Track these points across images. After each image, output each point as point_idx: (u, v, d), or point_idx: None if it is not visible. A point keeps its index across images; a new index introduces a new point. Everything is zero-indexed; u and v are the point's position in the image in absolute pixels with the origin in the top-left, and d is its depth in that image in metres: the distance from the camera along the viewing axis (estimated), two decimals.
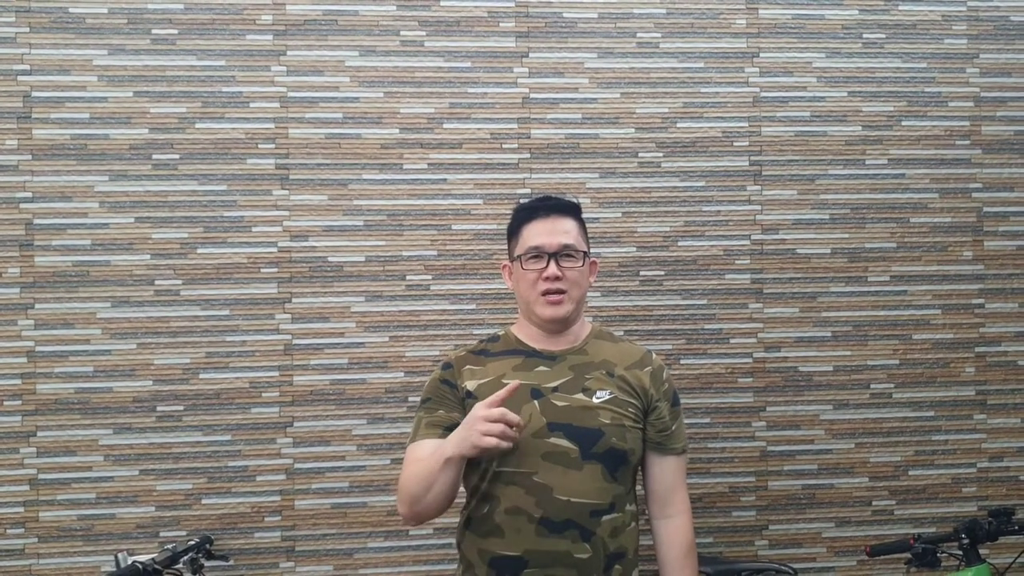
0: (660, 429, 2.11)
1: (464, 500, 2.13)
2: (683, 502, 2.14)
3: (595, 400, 2.03)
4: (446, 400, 2.08)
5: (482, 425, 1.79)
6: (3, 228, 2.69)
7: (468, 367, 2.11)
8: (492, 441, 1.78)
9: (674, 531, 2.11)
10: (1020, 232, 2.94)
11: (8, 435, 2.67)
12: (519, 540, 1.95)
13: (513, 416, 1.80)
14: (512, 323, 2.23)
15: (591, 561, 1.95)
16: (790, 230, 2.89)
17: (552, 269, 2.03)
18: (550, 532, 1.94)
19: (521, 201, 2.26)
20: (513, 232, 2.15)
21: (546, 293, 2.04)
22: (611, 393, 2.05)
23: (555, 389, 2.04)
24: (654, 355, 2.19)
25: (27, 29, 2.71)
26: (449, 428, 2.03)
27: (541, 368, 2.08)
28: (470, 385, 2.07)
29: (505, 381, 2.04)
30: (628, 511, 2.05)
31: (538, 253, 2.06)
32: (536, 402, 2.02)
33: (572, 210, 2.14)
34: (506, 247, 2.21)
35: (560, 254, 2.05)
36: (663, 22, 2.87)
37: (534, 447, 1.98)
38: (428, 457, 1.94)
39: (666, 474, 2.13)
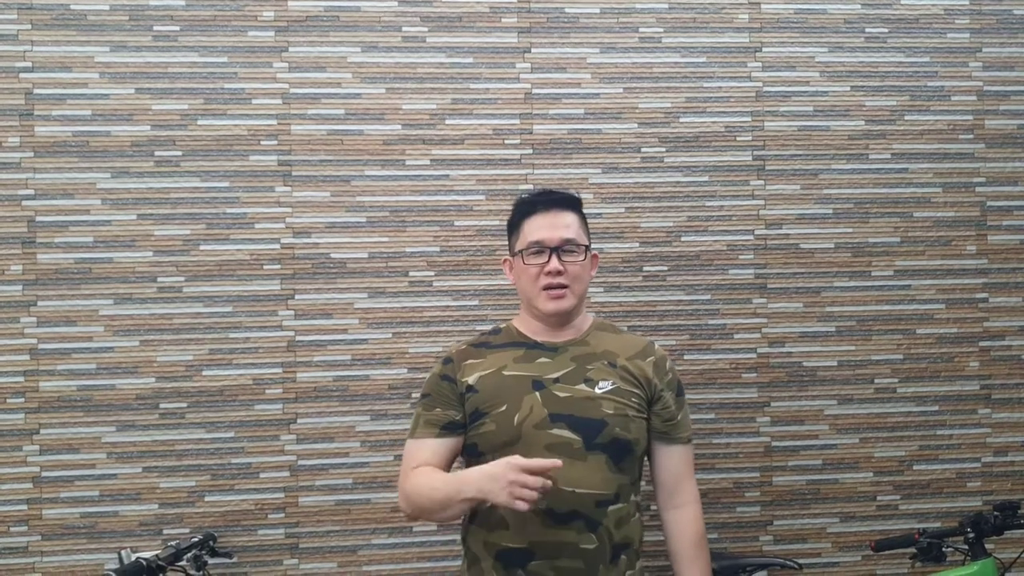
0: (666, 419, 2.11)
1: None
2: (691, 492, 2.14)
3: (597, 391, 2.03)
4: (443, 396, 2.09)
5: (517, 489, 1.76)
6: (5, 225, 2.68)
7: (469, 361, 2.11)
8: (523, 505, 1.76)
9: (684, 521, 2.10)
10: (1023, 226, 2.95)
11: (11, 433, 2.66)
12: (525, 532, 1.95)
13: (548, 483, 1.78)
14: (514, 316, 2.24)
15: (597, 551, 1.95)
16: (793, 225, 2.89)
17: (554, 264, 2.04)
18: (556, 523, 1.94)
19: (522, 195, 2.24)
20: (514, 226, 2.15)
21: (548, 288, 2.04)
22: (613, 383, 2.04)
23: (556, 380, 2.04)
24: (656, 346, 2.19)
25: (29, 26, 2.70)
26: (445, 427, 2.07)
27: (542, 359, 2.08)
28: (471, 379, 2.08)
29: (506, 372, 2.06)
30: (632, 502, 2.05)
31: (539, 248, 2.06)
32: (537, 393, 2.02)
33: (573, 204, 2.14)
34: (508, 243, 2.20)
35: (561, 248, 2.05)
36: (665, 17, 2.87)
37: (537, 439, 1.98)
38: (444, 486, 1.93)
39: (673, 463, 2.13)
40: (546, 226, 2.07)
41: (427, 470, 2.01)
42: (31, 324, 2.68)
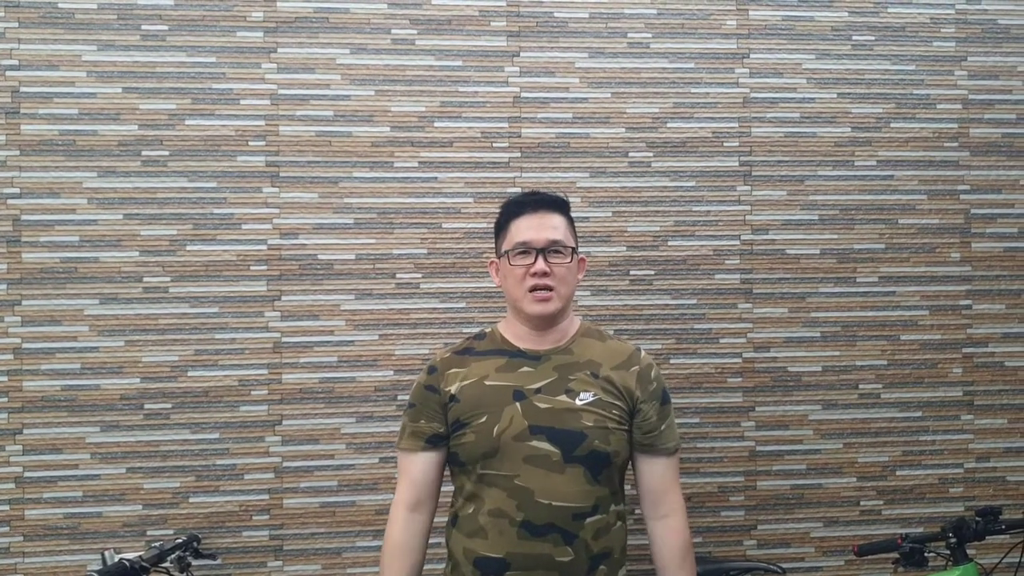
0: (647, 431, 2.09)
1: (451, 498, 2.14)
2: (676, 502, 2.11)
3: (578, 402, 2.01)
4: (428, 408, 2.09)
5: None
6: None
7: (453, 369, 2.10)
8: None
9: (669, 532, 2.08)
10: (1007, 234, 2.96)
11: None
12: (502, 542, 1.95)
13: None
14: (499, 320, 2.23)
15: (573, 564, 1.95)
16: (779, 230, 2.90)
17: (540, 265, 2.02)
18: (532, 535, 1.94)
19: (509, 197, 2.24)
20: (501, 228, 2.14)
21: (534, 289, 2.02)
22: (595, 395, 2.03)
23: (538, 391, 2.02)
24: (643, 353, 2.17)
25: (16, 24, 2.69)
26: (430, 440, 2.07)
27: (525, 369, 2.06)
28: (453, 388, 2.06)
29: (487, 382, 2.05)
30: (613, 511, 2.04)
31: (526, 248, 2.04)
32: (518, 404, 2.00)
33: (560, 206, 2.13)
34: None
35: (548, 250, 2.04)
36: (654, 22, 2.88)
37: (516, 450, 1.97)
38: None
39: (656, 475, 2.10)
40: (533, 227, 2.06)
41: (394, 555, 2.07)
42: (15, 323, 2.67)
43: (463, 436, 2.02)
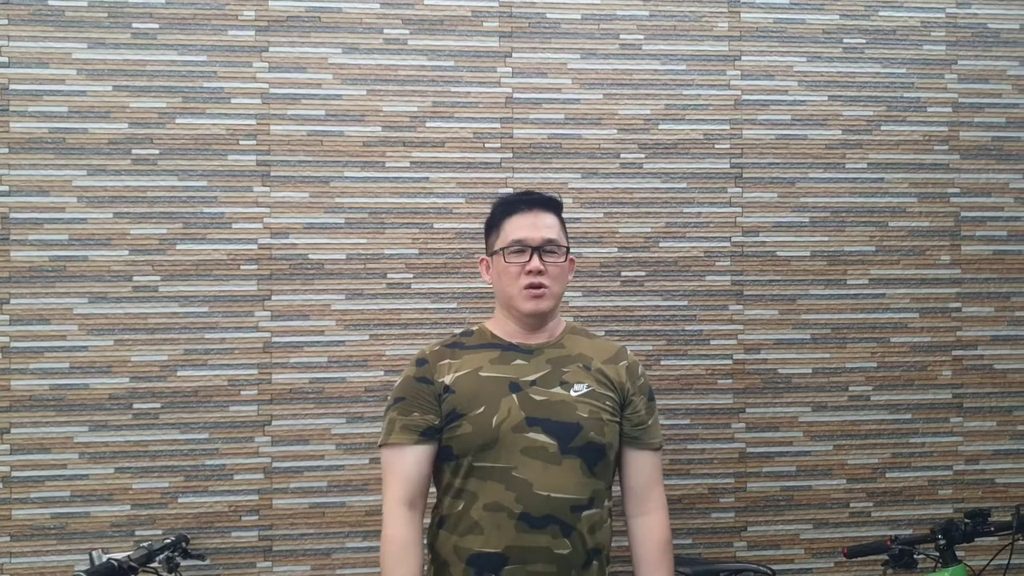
0: (636, 423, 2.10)
1: (435, 500, 2.11)
2: (659, 499, 2.13)
3: (573, 393, 2.03)
4: (421, 399, 2.04)
5: None
6: None
7: (445, 361, 2.08)
8: None
9: (651, 527, 2.09)
10: (996, 237, 2.97)
11: None
12: (500, 536, 1.94)
13: None
14: (486, 319, 2.22)
15: (571, 556, 1.95)
16: (770, 232, 2.91)
17: (535, 263, 2.03)
18: (531, 528, 1.93)
19: (502, 195, 2.24)
20: (493, 225, 2.14)
21: (528, 287, 2.04)
22: (589, 386, 2.05)
23: (533, 383, 2.03)
24: (628, 351, 2.20)
25: (6, 21, 2.68)
26: (425, 432, 2.02)
27: (519, 361, 2.07)
28: (447, 379, 2.05)
29: (482, 373, 2.05)
30: (605, 507, 2.04)
31: (521, 247, 2.05)
32: (514, 395, 2.01)
33: (554, 205, 2.14)
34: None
35: (543, 248, 2.05)
36: (646, 24, 2.88)
37: (513, 442, 1.97)
38: None
39: (643, 470, 2.12)
40: (528, 225, 2.07)
41: (402, 554, 1.97)
42: (3, 322, 2.65)
43: (459, 427, 2.00)
